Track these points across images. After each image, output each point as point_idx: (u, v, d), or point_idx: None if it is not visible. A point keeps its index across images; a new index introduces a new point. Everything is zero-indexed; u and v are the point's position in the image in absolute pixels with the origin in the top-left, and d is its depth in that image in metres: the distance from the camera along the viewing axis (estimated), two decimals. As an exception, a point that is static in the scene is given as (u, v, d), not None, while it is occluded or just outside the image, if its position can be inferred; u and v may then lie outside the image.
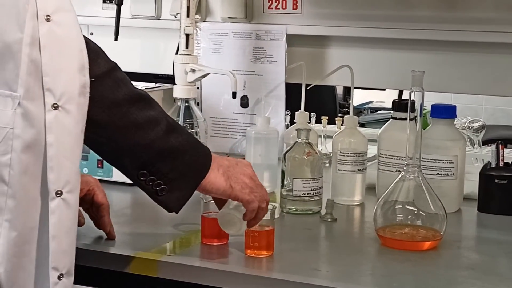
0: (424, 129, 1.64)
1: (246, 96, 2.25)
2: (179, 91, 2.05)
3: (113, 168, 2.00)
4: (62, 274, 1.32)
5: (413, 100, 1.58)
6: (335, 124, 2.35)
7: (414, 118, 1.58)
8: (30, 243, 1.30)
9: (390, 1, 2.14)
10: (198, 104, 2.30)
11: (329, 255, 1.60)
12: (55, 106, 1.30)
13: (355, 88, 1.98)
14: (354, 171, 1.88)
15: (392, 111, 1.92)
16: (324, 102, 3.31)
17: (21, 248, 1.29)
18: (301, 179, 1.79)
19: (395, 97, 3.51)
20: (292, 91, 2.25)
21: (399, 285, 1.39)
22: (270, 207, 1.53)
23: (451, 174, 1.81)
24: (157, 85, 2.16)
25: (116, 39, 2.21)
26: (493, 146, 1.85)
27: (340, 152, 1.89)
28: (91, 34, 2.55)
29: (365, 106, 3.93)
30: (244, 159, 1.87)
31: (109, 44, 2.16)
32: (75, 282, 1.44)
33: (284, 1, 2.26)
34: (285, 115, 2.28)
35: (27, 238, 1.29)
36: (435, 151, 1.80)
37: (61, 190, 1.31)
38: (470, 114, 3.78)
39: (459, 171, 1.82)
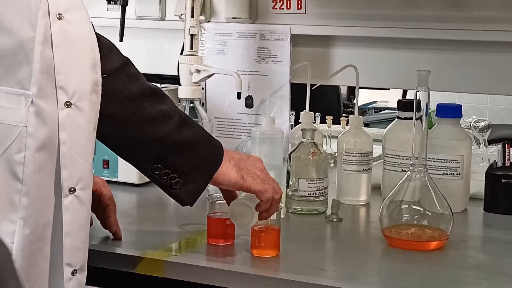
0: (429, 129, 1.64)
1: (251, 96, 2.24)
2: (184, 92, 2.05)
3: (119, 168, 2.02)
4: (75, 270, 1.33)
5: (418, 99, 1.58)
6: (339, 124, 2.35)
7: (420, 118, 1.58)
8: (44, 240, 1.31)
9: (394, 0, 2.14)
10: (203, 104, 2.30)
11: (335, 255, 1.60)
12: (68, 104, 1.31)
13: (360, 88, 1.98)
14: (360, 171, 1.88)
15: (397, 111, 1.92)
16: (328, 102, 3.31)
17: (35, 245, 1.29)
18: (307, 179, 1.79)
19: (399, 96, 3.50)
20: (296, 91, 2.24)
21: (405, 285, 1.39)
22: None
23: (457, 174, 1.81)
24: (162, 85, 2.15)
25: (121, 40, 2.21)
26: (499, 146, 1.85)
27: (346, 152, 1.88)
28: (96, 34, 2.54)
29: (369, 106, 3.92)
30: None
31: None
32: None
33: (288, 1, 2.26)
34: (290, 115, 2.28)
35: (41, 235, 1.30)
36: (441, 150, 1.80)
37: (74, 187, 1.32)
38: (475, 113, 3.77)
39: (465, 170, 1.81)
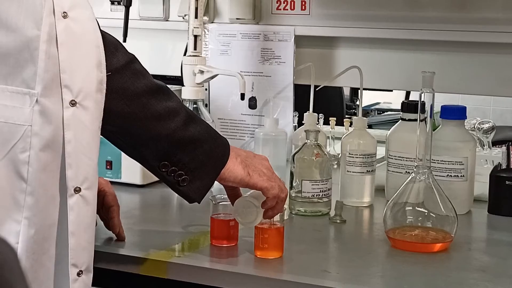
0: (433, 130, 1.64)
1: (254, 97, 2.24)
2: (187, 93, 2.05)
3: (122, 169, 2.02)
4: (81, 271, 1.33)
5: (423, 101, 1.57)
6: (342, 125, 2.34)
7: (424, 119, 1.58)
8: (49, 240, 1.30)
9: (398, 1, 2.14)
10: (206, 105, 2.29)
11: (338, 257, 1.60)
12: (73, 103, 1.30)
13: (363, 89, 1.98)
14: (363, 172, 1.87)
15: (401, 112, 1.91)
16: (332, 103, 3.30)
17: (40, 245, 1.29)
18: (310, 180, 1.79)
19: (403, 98, 3.50)
20: (299, 92, 2.24)
21: (409, 287, 1.38)
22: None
23: (461, 176, 1.80)
24: (166, 86, 2.15)
25: (124, 41, 2.21)
26: (504, 148, 1.84)
27: (349, 154, 1.88)
28: (99, 35, 2.54)
29: (372, 107, 3.92)
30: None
31: (117, 46, 2.17)
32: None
33: (292, 2, 2.25)
34: (293, 116, 2.27)
35: (46, 235, 1.30)
36: (445, 152, 1.79)
37: (79, 186, 1.31)
38: (478, 115, 3.77)
39: (469, 172, 1.81)
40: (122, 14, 2.32)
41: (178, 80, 2.14)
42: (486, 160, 2.12)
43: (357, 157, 1.87)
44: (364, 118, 1.93)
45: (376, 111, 3.88)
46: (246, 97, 2.14)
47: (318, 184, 1.79)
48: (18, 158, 1.27)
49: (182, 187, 1.47)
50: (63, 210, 1.31)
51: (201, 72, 2.05)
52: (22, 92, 1.28)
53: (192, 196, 1.49)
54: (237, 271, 1.45)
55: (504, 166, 1.82)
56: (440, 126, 1.84)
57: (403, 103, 1.91)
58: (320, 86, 2.04)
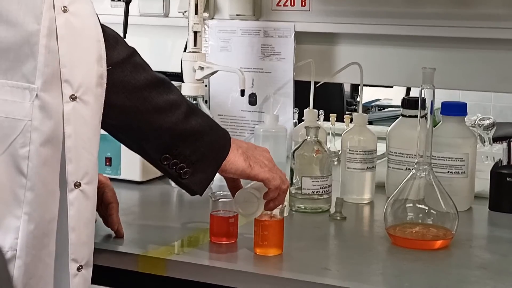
0: (434, 127, 1.63)
1: (255, 93, 2.23)
2: (187, 89, 2.04)
3: (121, 166, 2.01)
4: (81, 266, 1.33)
5: (423, 97, 1.56)
6: (343, 121, 2.34)
7: (425, 116, 1.57)
8: (49, 236, 1.30)
9: (399, -3, 2.13)
10: (206, 101, 2.29)
11: (339, 254, 1.59)
12: (73, 97, 1.30)
13: (364, 85, 1.97)
14: (364, 169, 1.87)
15: (401, 109, 1.91)
16: (332, 100, 3.30)
17: (40, 240, 1.28)
18: (310, 177, 1.78)
19: (403, 94, 3.50)
20: (299, 88, 2.23)
21: (410, 284, 1.37)
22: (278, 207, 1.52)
23: (462, 172, 1.79)
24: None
25: (124, 37, 2.20)
26: (505, 144, 1.83)
27: (349, 150, 1.87)
28: (99, 31, 2.54)
29: (372, 104, 3.92)
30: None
31: (117, 42, 2.16)
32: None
33: (292, -2, 2.25)
34: (294, 112, 2.27)
35: (46, 231, 1.29)
36: (446, 149, 1.79)
37: (79, 181, 1.31)
38: (479, 111, 3.76)
39: (470, 169, 1.80)
40: (122, 10, 2.31)
41: (178, 77, 2.13)
42: (487, 156, 2.12)
43: (357, 154, 1.86)
44: (365, 114, 1.92)
45: (376, 108, 3.88)
46: (246, 94, 2.14)
47: (318, 181, 1.78)
48: (18, 153, 1.27)
49: (183, 179, 1.47)
50: (63, 205, 1.31)
51: (201, 68, 2.04)
52: (22, 86, 1.27)
53: (194, 189, 1.49)
54: (237, 268, 1.45)
55: (505, 163, 1.82)
56: (440, 122, 1.83)
57: (403, 100, 1.91)
58: (320, 82, 2.03)
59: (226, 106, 2.29)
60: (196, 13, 2.06)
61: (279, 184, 1.49)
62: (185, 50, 2.11)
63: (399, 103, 1.94)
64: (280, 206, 1.52)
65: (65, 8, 1.29)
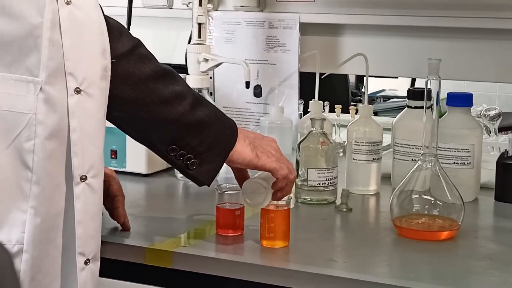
0: (439, 118, 1.63)
1: (259, 85, 2.23)
2: (192, 81, 2.04)
3: (127, 158, 2.01)
4: (88, 259, 1.33)
5: (429, 88, 1.56)
6: (348, 113, 2.33)
7: (431, 107, 1.57)
8: (56, 229, 1.30)
9: (404, -12, 2.12)
10: (211, 93, 2.28)
11: (345, 245, 1.59)
12: (78, 91, 1.29)
13: (369, 76, 1.96)
14: (369, 160, 1.86)
15: (407, 100, 1.90)
16: (337, 91, 3.29)
17: (46, 234, 1.28)
18: (316, 169, 1.78)
19: (408, 85, 3.48)
20: (304, 80, 2.23)
21: (416, 275, 1.37)
22: (285, 197, 1.52)
23: (467, 163, 1.79)
24: (170, 75, 2.14)
25: (128, 29, 2.19)
26: (510, 134, 1.83)
27: (355, 141, 1.87)
28: (103, 24, 2.53)
29: (377, 95, 3.90)
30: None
31: (121, 34, 2.16)
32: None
33: (297, -11, 2.24)
34: (299, 104, 2.26)
35: (52, 224, 1.29)
36: (452, 139, 1.78)
37: (85, 175, 1.31)
38: (484, 101, 3.73)
39: (476, 159, 1.80)
40: (126, 2, 2.31)
41: (182, 69, 2.13)
42: (493, 147, 2.11)
43: (363, 145, 1.86)
44: (370, 105, 1.92)
45: (381, 98, 3.87)
46: (251, 85, 2.14)
47: (324, 173, 1.78)
48: (23, 147, 1.27)
49: (191, 170, 1.47)
50: (69, 199, 1.31)
51: (206, 60, 2.04)
52: (26, 80, 1.27)
53: (202, 179, 1.49)
54: (243, 260, 1.45)
55: (510, 153, 1.81)
56: (446, 113, 1.83)
57: (409, 91, 1.90)
58: (325, 73, 2.02)
59: (231, 98, 2.29)
60: (200, 4, 2.06)
61: (286, 174, 1.49)
62: (189, 42, 2.11)
63: (404, 94, 1.93)
64: (287, 197, 1.52)
65: (68, 1, 1.29)
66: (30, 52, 1.27)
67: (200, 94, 2.00)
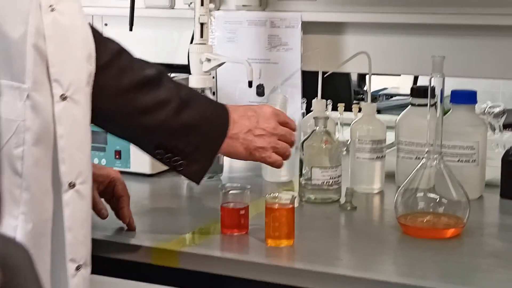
0: (444, 115, 1.62)
1: (262, 84, 2.23)
2: (194, 81, 2.04)
3: (131, 159, 2.01)
4: (79, 265, 1.32)
5: (433, 85, 1.56)
6: (351, 111, 2.33)
7: (434, 104, 1.56)
8: (46, 235, 1.30)
9: (406, -15, 2.12)
10: (214, 93, 2.28)
11: (350, 244, 1.59)
12: (64, 97, 1.29)
13: (372, 74, 1.96)
14: (373, 158, 1.86)
15: (410, 98, 1.90)
16: (339, 89, 3.28)
17: (37, 240, 1.29)
18: (320, 167, 1.78)
19: (410, 83, 3.48)
20: (307, 78, 2.22)
21: (422, 273, 1.37)
22: (289, 196, 1.52)
23: (472, 161, 1.79)
24: (173, 75, 2.14)
25: (130, 30, 2.20)
26: (515, 132, 1.83)
27: (359, 140, 1.87)
28: (106, 24, 2.54)
29: (380, 93, 3.90)
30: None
31: (124, 35, 2.15)
32: (97, 273, 1.44)
33: (299, -12, 2.24)
34: (302, 103, 2.26)
35: (43, 230, 1.29)
36: (456, 137, 1.78)
37: (74, 181, 1.31)
38: (488, 98, 3.71)
39: (480, 157, 1.80)
40: (128, 3, 2.31)
41: (185, 68, 2.13)
42: (497, 144, 2.11)
43: (366, 143, 1.86)
44: (373, 103, 1.92)
45: (384, 96, 3.87)
46: (254, 85, 2.13)
47: (328, 171, 1.78)
48: (12, 153, 1.27)
49: (180, 171, 1.48)
50: (58, 206, 1.30)
51: (208, 60, 2.03)
52: (13, 86, 1.27)
53: (191, 178, 1.49)
54: (249, 259, 1.45)
55: (515, 150, 1.81)
56: (450, 110, 1.82)
57: (412, 89, 1.90)
58: (328, 72, 2.02)
59: (234, 97, 2.28)
60: (202, 4, 2.05)
61: (282, 162, 1.53)
62: (191, 42, 2.11)
63: (407, 92, 1.93)
64: (290, 196, 1.52)
65: (52, 7, 1.28)
66: (16, 59, 1.27)
67: (203, 93, 2.01)
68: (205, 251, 1.48)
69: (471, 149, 1.78)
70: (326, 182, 1.78)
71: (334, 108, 2.35)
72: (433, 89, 1.56)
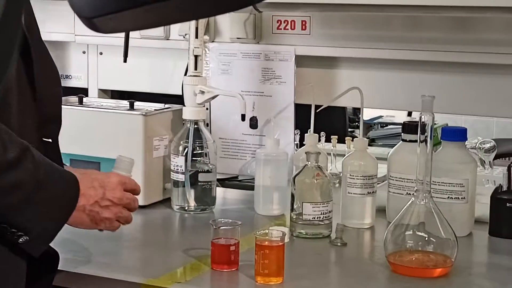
0: (434, 147, 1.63)
1: (255, 117, 2.24)
2: (188, 113, 2.05)
3: (123, 190, 2.01)
4: None
5: (423, 122, 1.57)
6: (344, 142, 2.34)
7: (425, 140, 1.58)
8: None
9: (399, 22, 2.13)
10: (207, 125, 2.29)
11: (339, 282, 1.60)
12: None
13: (365, 107, 1.97)
14: (364, 194, 1.87)
15: (402, 133, 1.91)
16: (334, 118, 3.29)
17: None
18: (311, 203, 1.79)
19: (406, 112, 3.49)
20: (302, 107, 2.23)
21: (410, 313, 1.38)
22: (279, 233, 1.53)
23: (462, 198, 1.80)
24: (166, 105, 2.15)
25: (125, 60, 2.21)
26: (505, 169, 1.84)
27: (350, 175, 1.88)
28: (101, 53, 2.55)
29: (375, 121, 3.91)
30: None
31: (119, 64, 2.17)
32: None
33: (293, 22, 2.25)
34: (295, 134, 2.27)
35: None
36: (446, 174, 1.79)
37: None
38: (482, 127, 3.74)
39: (470, 194, 1.80)
40: (122, 33, 2.32)
41: (179, 98, 2.14)
42: (488, 179, 2.12)
43: (357, 179, 1.87)
44: (365, 139, 1.93)
45: (379, 125, 3.87)
46: (247, 117, 2.15)
47: (319, 207, 1.79)
48: None
49: (19, 243, 1.36)
50: None
51: (202, 92, 2.05)
52: None
53: (31, 252, 1.39)
54: (238, 298, 1.46)
55: (505, 188, 1.82)
56: (441, 147, 1.84)
57: (404, 124, 1.91)
58: (322, 106, 2.03)
59: (227, 130, 2.30)
60: (196, 36, 2.07)
61: (124, 223, 1.52)
62: (186, 73, 2.12)
63: (402, 120, 1.94)
64: (281, 233, 1.53)
65: None
66: None
67: (197, 126, 2.01)
68: (194, 288, 1.49)
69: (460, 186, 1.79)
70: (317, 217, 1.79)
71: (328, 140, 2.36)
72: (423, 125, 1.58)
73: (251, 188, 2.07)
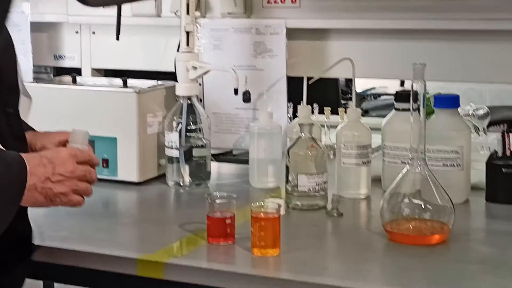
0: (429, 114, 1.63)
1: (248, 91, 2.23)
2: (181, 89, 2.05)
3: (118, 167, 2.02)
4: None
5: (415, 90, 1.57)
6: (337, 113, 2.34)
7: (417, 109, 1.57)
8: None
9: (389, -9, 2.13)
10: (200, 100, 2.29)
11: (336, 252, 1.60)
12: None
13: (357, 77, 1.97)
14: (359, 164, 1.87)
15: (394, 102, 1.91)
16: (327, 90, 3.29)
17: None
18: (306, 174, 1.78)
19: (398, 82, 3.50)
20: (294, 80, 2.23)
21: (408, 281, 1.38)
22: (275, 205, 1.53)
23: (457, 165, 1.80)
24: (160, 82, 2.15)
25: (117, 38, 2.20)
26: (499, 135, 1.84)
27: (344, 145, 1.88)
28: (93, 33, 2.55)
29: (368, 92, 3.91)
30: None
31: (111, 43, 2.17)
32: (81, 284, 1.44)
33: (283, -5, 2.25)
34: (288, 107, 2.27)
35: None
36: (440, 141, 1.79)
37: None
38: (475, 95, 3.74)
39: (465, 161, 1.80)
40: (115, 12, 2.31)
41: (172, 75, 2.13)
42: (482, 146, 2.12)
43: (352, 149, 1.87)
44: (358, 109, 1.92)
45: (372, 96, 3.88)
46: (240, 91, 2.14)
47: (314, 178, 1.78)
48: None
49: None
50: None
51: (194, 68, 2.04)
52: None
53: None
54: (235, 270, 1.45)
55: (500, 154, 1.82)
56: (434, 115, 1.83)
57: (396, 93, 1.90)
58: (313, 78, 2.03)
59: (220, 104, 2.29)
60: (188, 13, 2.06)
61: (82, 200, 1.48)
62: (178, 50, 2.11)
63: (394, 91, 1.94)
64: (277, 205, 1.53)
65: None
66: None
67: (190, 101, 2.01)
68: (190, 262, 1.48)
69: (455, 154, 1.79)
70: (313, 189, 1.79)
71: (321, 111, 2.36)
72: (415, 94, 1.57)
73: (246, 162, 2.07)
